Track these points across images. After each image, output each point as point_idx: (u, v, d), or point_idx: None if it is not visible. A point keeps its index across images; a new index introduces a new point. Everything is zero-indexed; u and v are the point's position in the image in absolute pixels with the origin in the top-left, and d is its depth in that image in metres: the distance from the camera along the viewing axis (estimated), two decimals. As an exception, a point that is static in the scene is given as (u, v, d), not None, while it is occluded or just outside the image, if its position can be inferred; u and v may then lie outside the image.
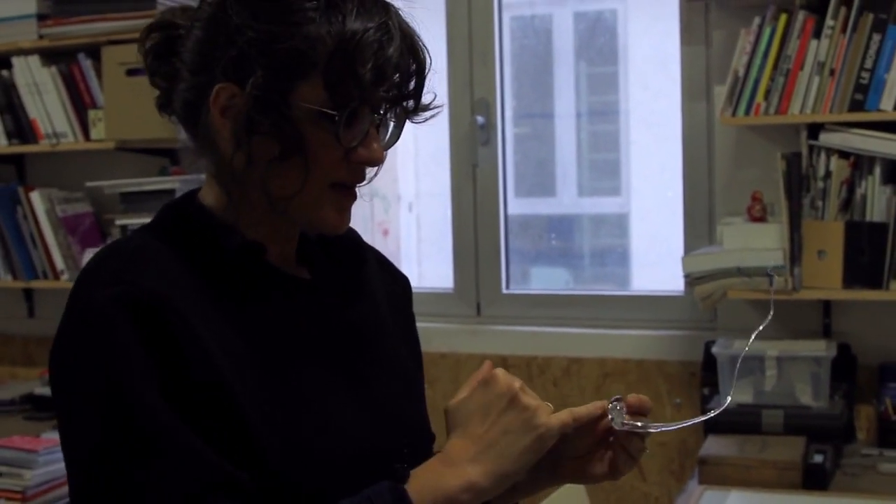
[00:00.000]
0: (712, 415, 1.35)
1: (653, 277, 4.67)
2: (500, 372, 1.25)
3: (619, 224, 5.08)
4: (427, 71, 1.28)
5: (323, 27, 1.20)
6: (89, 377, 1.16)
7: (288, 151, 1.22)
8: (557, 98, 4.66)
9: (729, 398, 1.47)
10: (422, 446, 1.41)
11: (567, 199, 4.95)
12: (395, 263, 1.56)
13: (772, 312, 1.40)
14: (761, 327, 1.38)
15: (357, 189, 1.30)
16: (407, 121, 1.31)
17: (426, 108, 1.31)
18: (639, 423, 1.30)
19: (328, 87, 1.21)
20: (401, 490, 1.19)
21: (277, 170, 1.24)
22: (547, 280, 4.60)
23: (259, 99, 1.21)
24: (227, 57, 1.22)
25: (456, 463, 1.22)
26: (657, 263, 4.52)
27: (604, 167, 5.04)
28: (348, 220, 1.32)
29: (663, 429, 1.32)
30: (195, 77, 1.26)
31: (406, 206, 5.14)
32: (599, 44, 4.82)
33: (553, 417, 1.24)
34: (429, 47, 1.29)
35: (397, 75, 1.24)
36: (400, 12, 1.27)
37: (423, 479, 1.22)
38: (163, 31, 1.31)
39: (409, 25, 1.27)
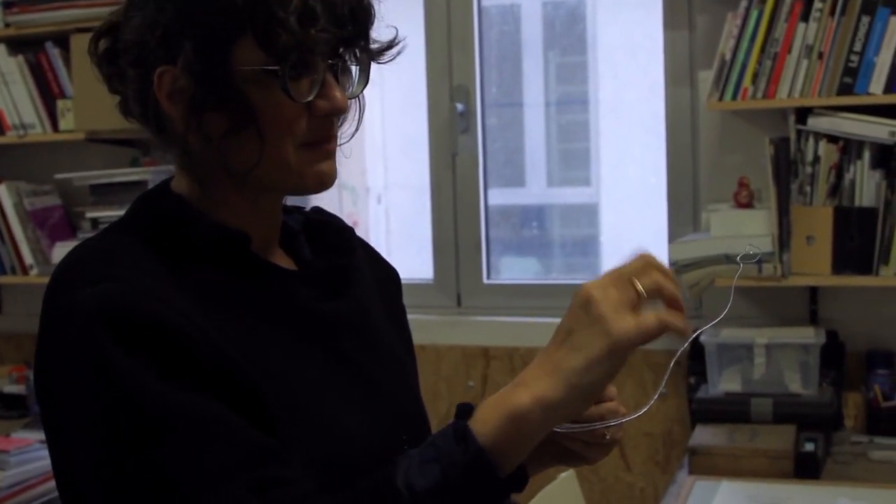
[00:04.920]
0: (643, 411, 1.27)
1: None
2: (589, 284, 1.12)
3: (589, 214, 5.05)
4: (369, 4, 1.21)
5: None
6: (84, 380, 1.09)
7: (239, 122, 1.16)
8: (527, 88, 4.62)
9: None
10: (421, 437, 1.34)
11: (536, 190, 4.91)
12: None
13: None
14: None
15: (334, 142, 1.24)
16: (372, 62, 1.24)
17: (389, 46, 1.25)
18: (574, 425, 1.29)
19: (261, 43, 1.14)
20: (461, 427, 1.12)
21: (235, 143, 1.17)
22: (517, 270, 4.56)
23: (197, 74, 1.15)
24: (155, 39, 1.16)
25: (524, 382, 1.13)
26: (628, 253, 4.48)
27: (573, 157, 5.01)
28: (333, 174, 1.24)
29: (600, 426, 1.29)
30: (135, 70, 1.20)
31: (375, 198, 5.09)
32: (569, 33, 4.78)
33: (627, 324, 1.10)
34: None
35: (332, 14, 1.16)
36: None
37: (490, 404, 1.14)
38: (108, 34, 1.25)
39: None
